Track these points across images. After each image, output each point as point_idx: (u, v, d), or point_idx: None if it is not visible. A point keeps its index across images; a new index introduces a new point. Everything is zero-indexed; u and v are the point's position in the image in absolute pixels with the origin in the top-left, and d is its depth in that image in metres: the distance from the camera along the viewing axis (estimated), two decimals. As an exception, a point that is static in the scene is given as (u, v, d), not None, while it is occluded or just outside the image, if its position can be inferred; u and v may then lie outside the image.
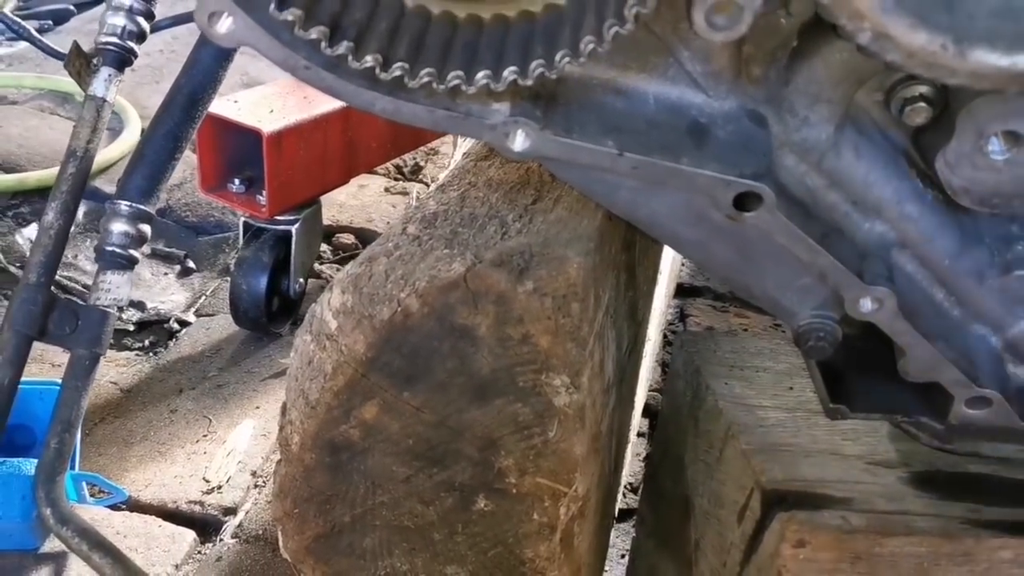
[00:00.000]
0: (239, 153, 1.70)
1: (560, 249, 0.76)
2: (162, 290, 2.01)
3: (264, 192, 1.64)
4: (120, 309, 0.96)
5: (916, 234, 0.69)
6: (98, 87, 0.95)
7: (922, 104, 0.64)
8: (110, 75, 0.95)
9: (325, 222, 2.09)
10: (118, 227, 0.93)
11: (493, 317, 0.74)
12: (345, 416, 0.79)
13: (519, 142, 0.60)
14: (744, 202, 0.62)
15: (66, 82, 2.59)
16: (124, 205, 0.92)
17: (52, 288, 0.94)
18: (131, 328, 1.84)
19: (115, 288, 0.95)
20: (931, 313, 0.72)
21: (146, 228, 0.95)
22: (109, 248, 0.93)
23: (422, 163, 2.63)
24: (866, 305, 0.67)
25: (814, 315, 0.70)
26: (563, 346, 0.74)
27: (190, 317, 1.90)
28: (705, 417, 0.95)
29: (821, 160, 0.65)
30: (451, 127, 0.61)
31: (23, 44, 3.06)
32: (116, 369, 1.69)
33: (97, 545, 0.90)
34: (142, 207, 0.93)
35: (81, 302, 0.94)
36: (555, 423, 0.77)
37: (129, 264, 0.96)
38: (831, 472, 0.82)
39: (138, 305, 1.92)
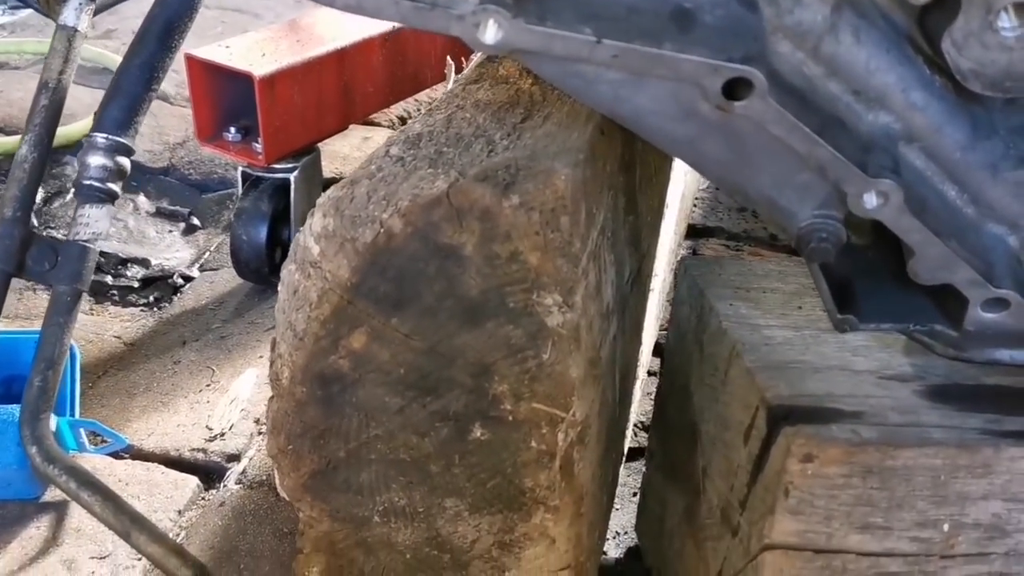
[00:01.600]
0: (234, 101, 1.66)
1: (547, 162, 0.73)
2: (167, 247, 1.99)
3: (260, 140, 1.61)
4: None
5: (923, 124, 0.64)
6: (68, 16, 0.91)
7: (926, -20, 0.59)
8: (80, 4, 0.91)
9: (329, 174, 2.06)
10: (95, 160, 0.90)
11: (479, 234, 0.71)
12: (333, 346, 0.76)
13: (490, 33, 0.56)
14: (734, 90, 0.58)
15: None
16: (100, 138, 0.89)
17: (30, 224, 0.91)
18: (135, 285, 1.83)
19: (94, 222, 0.92)
20: (942, 211, 0.68)
21: (124, 161, 0.92)
22: (87, 182, 0.91)
23: (427, 113, 2.59)
24: (870, 201, 0.63)
25: (815, 215, 0.66)
26: (553, 263, 0.71)
27: (194, 272, 1.88)
28: (710, 340, 0.91)
29: (818, 46, 0.61)
30: (417, 20, 0.57)
31: (26, 12, 3.03)
32: (120, 324, 1.68)
33: (86, 483, 0.88)
34: (119, 139, 0.90)
35: (59, 237, 0.92)
36: (549, 344, 0.74)
37: (108, 198, 0.93)
38: (841, 387, 0.79)
39: (143, 262, 1.90)
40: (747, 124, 0.60)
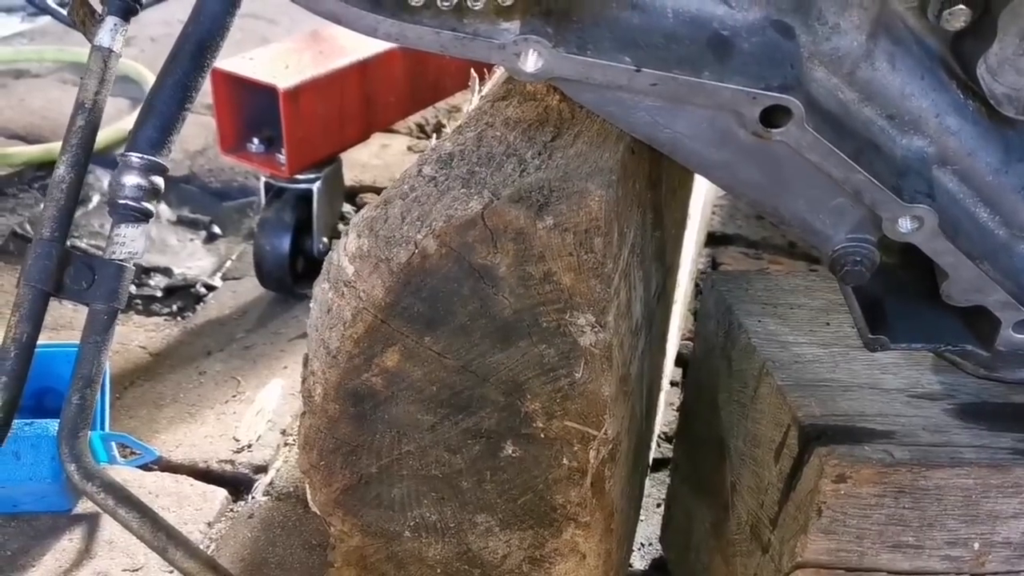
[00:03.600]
0: (257, 112, 1.67)
1: (580, 183, 0.73)
2: (188, 256, 2.00)
3: (283, 151, 1.62)
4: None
5: (957, 148, 0.65)
6: (104, 37, 0.92)
7: (961, 7, 0.59)
8: (115, 24, 0.92)
9: (348, 182, 2.07)
10: (130, 180, 0.91)
11: (513, 255, 0.72)
12: (367, 364, 0.77)
13: (531, 62, 0.57)
14: (771, 117, 0.58)
15: (86, 54, 2.58)
16: (135, 157, 0.90)
17: (67, 244, 0.92)
18: (159, 294, 1.84)
19: (130, 242, 0.93)
20: (974, 233, 0.68)
21: (159, 180, 0.93)
22: (122, 201, 0.92)
23: (444, 121, 2.59)
24: (905, 225, 0.63)
25: (849, 238, 0.66)
26: (587, 283, 0.72)
27: (216, 281, 1.89)
28: (738, 356, 0.92)
29: (854, 72, 0.62)
30: (459, 49, 0.58)
31: (45, 18, 3.05)
32: (145, 334, 1.69)
33: (124, 500, 0.89)
34: (154, 159, 0.91)
35: (97, 256, 0.93)
36: (581, 363, 0.74)
37: (143, 217, 0.94)
38: (871, 406, 0.79)
39: (165, 271, 1.92)
40: (784, 150, 0.61)
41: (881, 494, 0.73)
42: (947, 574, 0.79)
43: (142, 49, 2.81)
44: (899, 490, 0.73)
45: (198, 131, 2.36)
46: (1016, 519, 0.77)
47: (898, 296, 0.77)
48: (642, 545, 1.28)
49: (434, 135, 2.50)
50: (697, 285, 1.80)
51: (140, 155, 0.90)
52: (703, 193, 1.59)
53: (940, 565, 0.78)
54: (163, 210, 2.14)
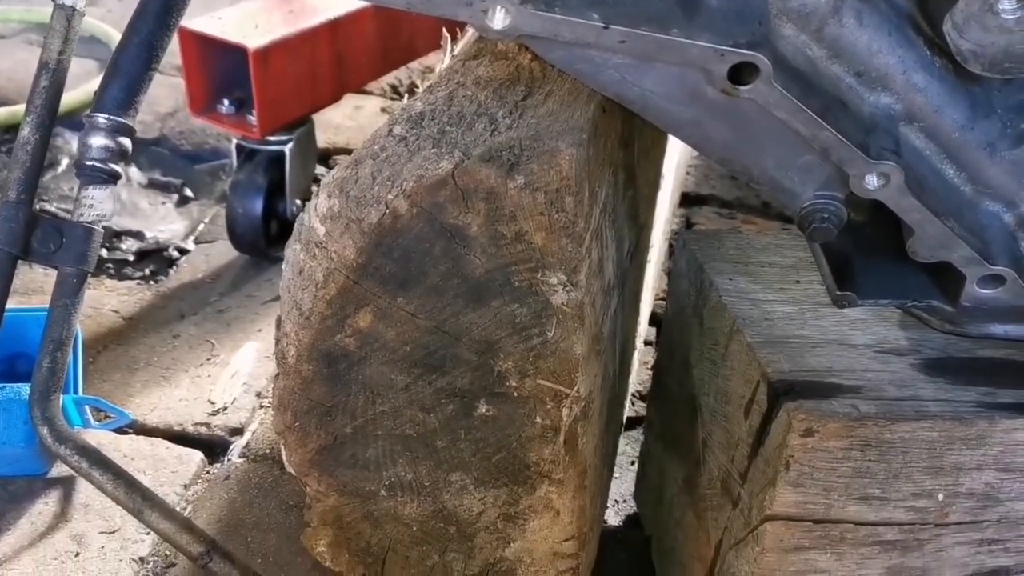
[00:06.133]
0: (227, 73, 1.65)
1: (551, 141, 0.73)
2: (160, 219, 1.98)
3: (254, 112, 1.60)
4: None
5: (923, 105, 0.65)
6: (67, -6, 0.91)
7: (928, -37, 0.60)
8: (78, -18, 0.91)
9: (321, 144, 2.05)
10: (97, 141, 0.89)
11: (484, 215, 0.72)
12: (339, 325, 0.77)
13: (499, 19, 0.57)
14: (740, 74, 0.59)
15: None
16: (102, 118, 0.89)
17: (35, 206, 0.91)
18: (131, 258, 1.82)
19: (98, 203, 0.92)
20: (940, 190, 0.69)
21: (126, 141, 0.91)
22: (89, 163, 0.90)
23: (418, 82, 2.57)
24: (872, 182, 0.64)
25: (817, 196, 0.67)
26: (558, 243, 0.72)
27: (189, 245, 1.88)
28: (710, 314, 0.93)
29: (822, 28, 0.62)
30: (425, 6, 0.58)
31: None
32: (117, 298, 1.68)
33: (98, 462, 0.89)
34: (121, 119, 0.89)
35: (65, 219, 0.92)
36: (553, 322, 0.75)
37: (111, 178, 0.93)
38: (839, 362, 0.80)
39: (137, 235, 1.90)
40: (752, 107, 0.61)
41: (848, 447, 0.75)
42: (912, 525, 0.81)
43: (109, 9, 2.76)
44: (865, 443, 0.75)
45: (168, 92, 2.33)
46: (979, 471, 0.78)
47: (866, 253, 0.78)
48: (616, 502, 1.29)
49: (407, 96, 2.48)
50: (671, 245, 1.81)
51: (107, 116, 0.89)
52: (677, 153, 1.59)
53: (905, 516, 0.80)
54: (134, 173, 2.12)
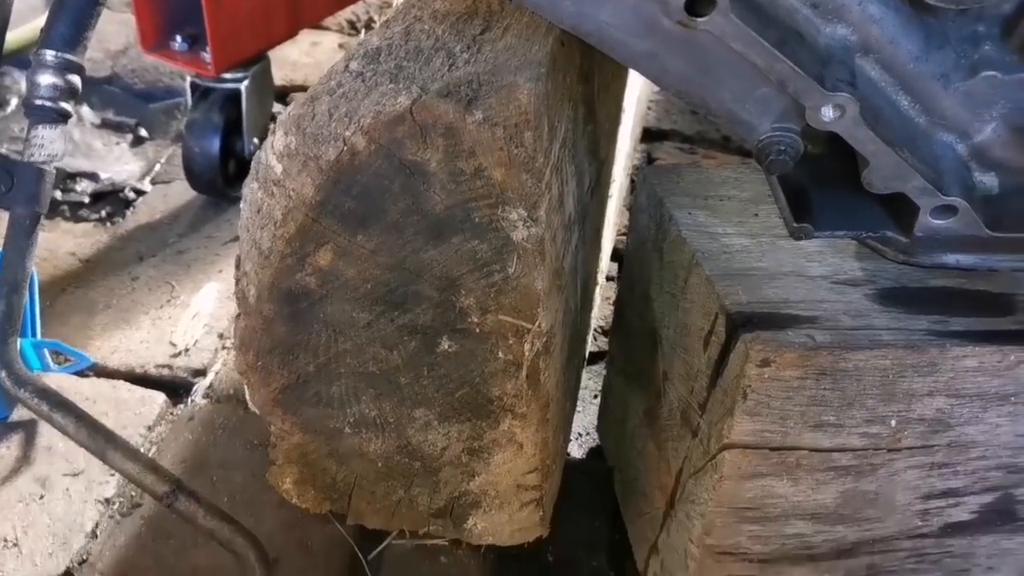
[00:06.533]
0: (179, 8, 1.61)
1: (509, 76, 0.73)
2: (115, 160, 1.94)
3: (208, 48, 1.57)
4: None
5: (879, 36, 0.66)
6: (6, -73, 0.88)
7: None
8: (17, -86, 0.87)
9: (278, 82, 2.02)
10: (45, 79, 0.87)
11: (443, 151, 0.71)
12: (299, 264, 0.77)
13: (453, -50, 0.56)
14: (696, 6, 0.58)
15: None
16: (49, 55, 0.86)
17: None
18: (86, 200, 1.79)
19: (48, 143, 0.90)
20: (895, 121, 0.69)
21: (75, 79, 0.89)
22: (38, 102, 0.88)
23: (376, 17, 2.52)
24: (827, 113, 0.64)
25: (775, 128, 0.67)
26: (518, 178, 0.72)
27: (146, 185, 1.85)
28: (669, 248, 0.93)
29: (778, -41, 0.61)
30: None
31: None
32: (73, 240, 1.65)
33: (59, 405, 0.89)
34: (69, 56, 0.87)
35: (15, 159, 0.90)
36: (514, 258, 0.75)
37: (61, 117, 0.91)
38: (796, 293, 0.82)
39: (91, 176, 1.86)
40: (708, 39, 0.61)
41: (803, 376, 0.76)
42: (866, 450, 0.83)
43: (53, -58, 2.67)
44: (820, 372, 0.76)
45: (119, 29, 2.27)
46: (930, 397, 0.80)
47: (822, 186, 0.79)
48: (579, 435, 1.31)
49: (364, 32, 2.44)
50: (632, 180, 1.81)
51: (54, 53, 0.86)
52: (638, 88, 1.59)
53: (859, 442, 0.82)
54: (86, 113, 2.07)
